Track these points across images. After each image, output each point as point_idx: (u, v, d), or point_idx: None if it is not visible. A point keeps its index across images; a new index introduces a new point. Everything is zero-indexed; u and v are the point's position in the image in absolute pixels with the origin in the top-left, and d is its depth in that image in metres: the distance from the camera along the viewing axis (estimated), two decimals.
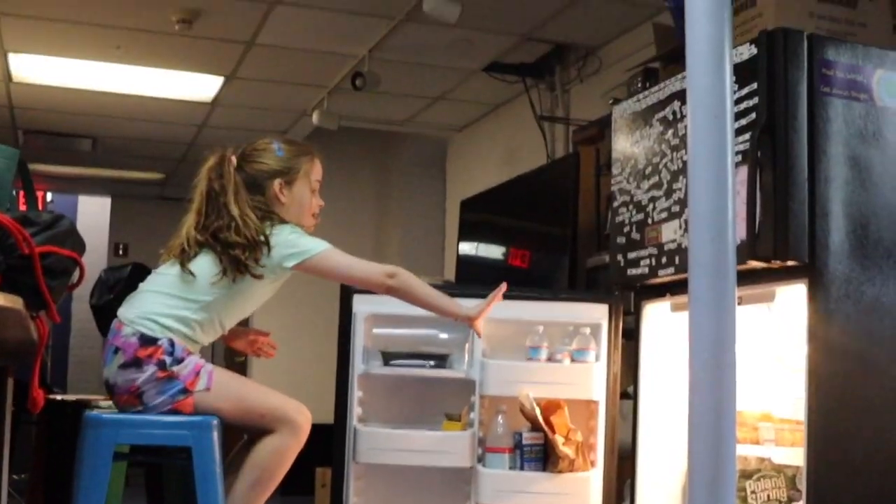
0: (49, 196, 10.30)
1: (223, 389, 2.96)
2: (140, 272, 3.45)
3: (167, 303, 2.97)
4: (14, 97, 7.16)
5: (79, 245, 2.09)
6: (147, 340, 2.91)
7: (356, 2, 5.28)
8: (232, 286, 2.98)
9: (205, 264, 2.98)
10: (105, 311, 3.48)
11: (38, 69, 6.52)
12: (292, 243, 3.00)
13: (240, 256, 2.95)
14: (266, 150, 3.15)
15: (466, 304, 3.15)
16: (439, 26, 5.28)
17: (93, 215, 10.35)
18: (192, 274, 2.95)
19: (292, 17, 5.51)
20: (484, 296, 3.17)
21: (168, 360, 2.90)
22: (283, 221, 3.05)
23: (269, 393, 3.13)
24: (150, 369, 2.88)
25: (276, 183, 3.10)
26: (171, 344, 2.92)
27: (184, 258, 3.00)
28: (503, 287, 3.19)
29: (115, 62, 6.31)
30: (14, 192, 2.50)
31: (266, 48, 6.04)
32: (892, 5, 3.19)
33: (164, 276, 3.02)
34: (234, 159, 3.11)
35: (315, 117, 6.90)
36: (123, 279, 3.65)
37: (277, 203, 3.09)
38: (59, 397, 3.62)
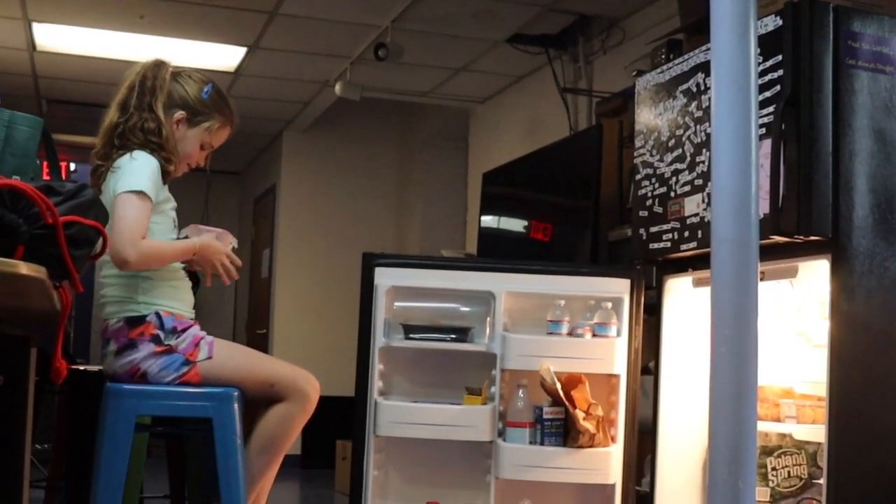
0: (73, 166, 10.31)
1: (229, 359, 2.96)
2: None
3: (123, 280, 2.94)
4: (38, 66, 7.18)
5: (102, 215, 2.09)
6: (134, 321, 2.91)
7: None
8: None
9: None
10: None
11: (62, 38, 6.54)
12: (129, 171, 2.90)
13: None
14: (195, 82, 3.12)
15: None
16: None
17: None
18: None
19: None
20: (506, 269, 3.14)
21: (161, 334, 2.90)
22: (152, 149, 2.97)
23: (278, 362, 3.13)
24: (147, 346, 2.89)
25: (180, 114, 3.07)
26: (158, 316, 2.91)
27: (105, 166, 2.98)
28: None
29: (139, 32, 6.32)
30: (38, 162, 2.50)
31: (289, 18, 6.02)
32: None
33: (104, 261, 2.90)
34: (171, 69, 3.09)
35: (338, 88, 6.88)
36: None
37: (168, 130, 3.02)
38: (81, 367, 3.62)
